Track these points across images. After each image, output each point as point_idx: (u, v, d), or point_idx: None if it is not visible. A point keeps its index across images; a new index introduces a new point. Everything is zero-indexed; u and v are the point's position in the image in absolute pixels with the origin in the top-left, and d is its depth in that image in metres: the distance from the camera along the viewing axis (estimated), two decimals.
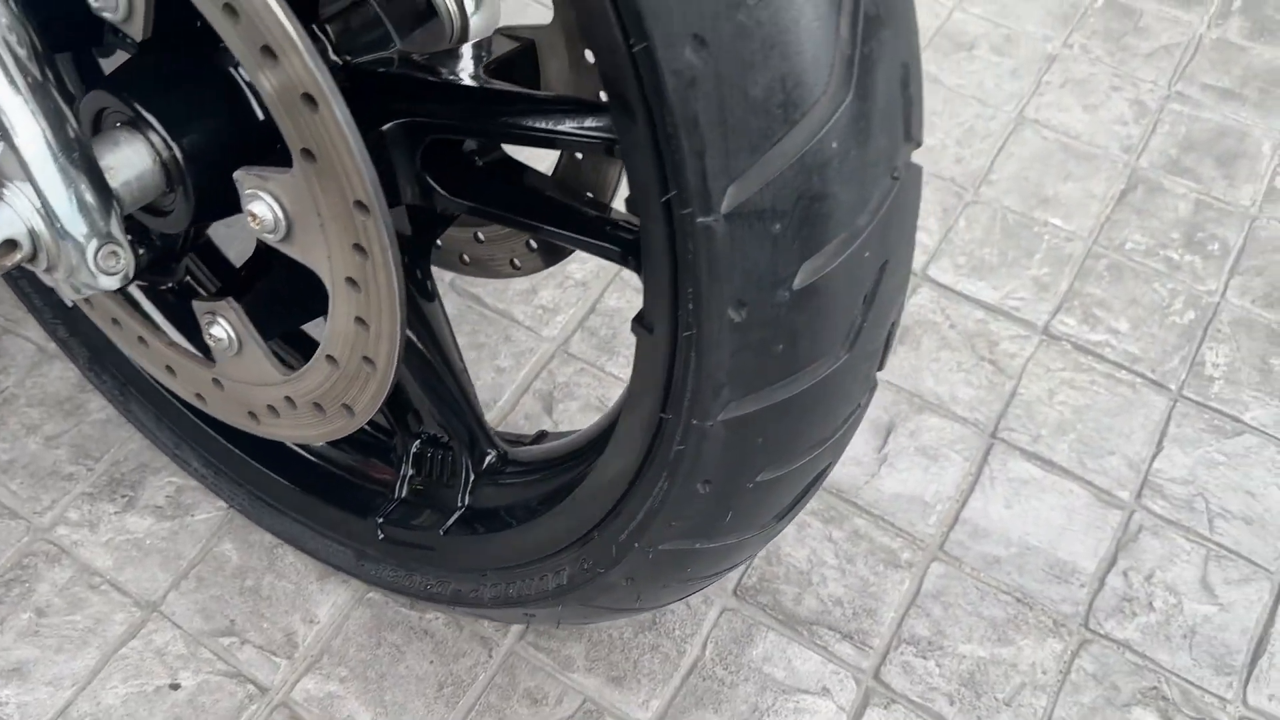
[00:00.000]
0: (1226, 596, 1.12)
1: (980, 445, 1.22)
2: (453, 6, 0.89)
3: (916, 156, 0.60)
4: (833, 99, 0.53)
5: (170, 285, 1.03)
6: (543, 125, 0.70)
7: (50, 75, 0.68)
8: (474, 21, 0.90)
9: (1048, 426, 1.23)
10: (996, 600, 1.12)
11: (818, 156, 0.54)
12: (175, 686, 1.07)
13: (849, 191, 0.56)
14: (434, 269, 1.01)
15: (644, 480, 0.71)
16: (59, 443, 1.21)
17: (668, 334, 0.63)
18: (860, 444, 1.22)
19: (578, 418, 1.23)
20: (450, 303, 1.31)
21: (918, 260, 1.36)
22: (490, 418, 1.23)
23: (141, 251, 0.95)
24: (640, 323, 0.65)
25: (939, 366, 1.28)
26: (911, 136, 0.58)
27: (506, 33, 0.86)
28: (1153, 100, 1.52)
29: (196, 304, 0.81)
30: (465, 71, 0.79)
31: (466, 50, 0.87)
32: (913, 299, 1.33)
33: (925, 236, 1.38)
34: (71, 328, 1.11)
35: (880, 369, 0.68)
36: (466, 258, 1.01)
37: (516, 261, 0.98)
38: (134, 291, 1.01)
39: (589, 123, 0.68)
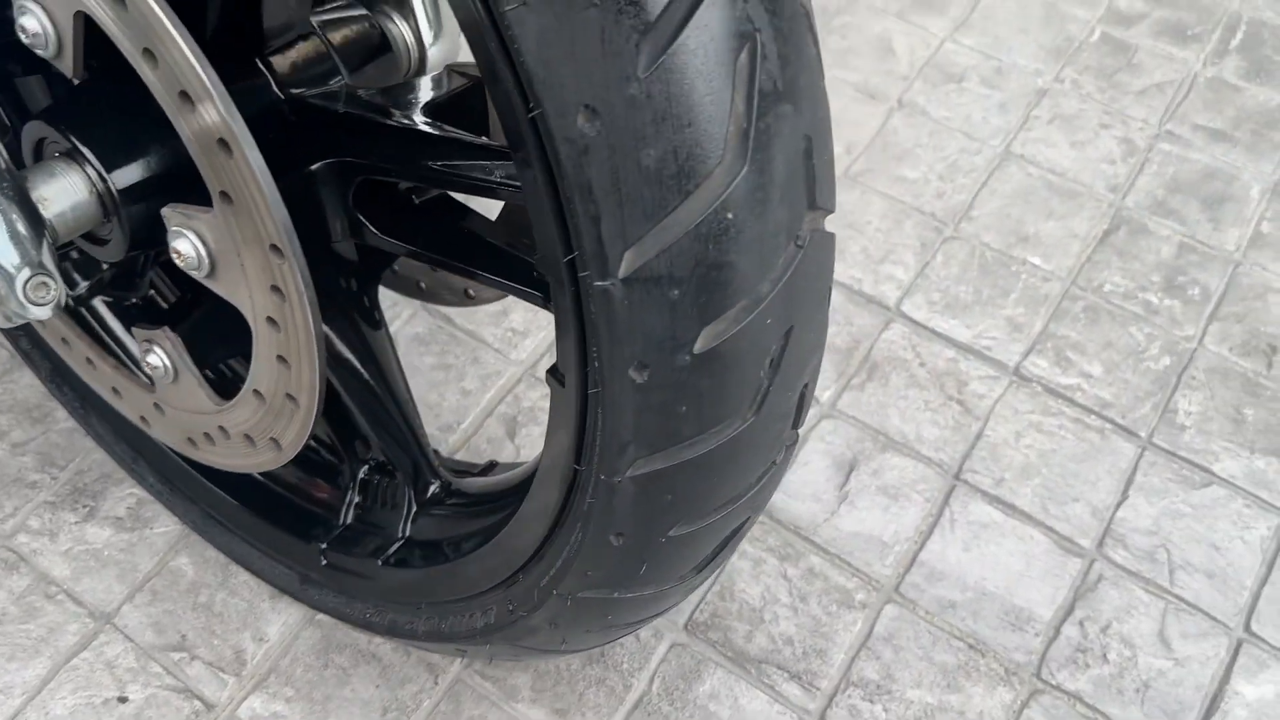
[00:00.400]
0: (1183, 651, 1.11)
1: (943, 486, 1.21)
2: (410, 38, 0.89)
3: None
4: (728, 170, 0.53)
5: (134, 301, 1.04)
6: (471, 173, 0.70)
7: None
8: (431, 54, 0.90)
9: (1012, 470, 1.22)
10: (949, 645, 1.11)
11: (714, 225, 0.54)
12: (123, 699, 1.08)
13: (748, 259, 0.56)
14: (395, 294, 1.02)
15: (561, 528, 0.71)
16: (25, 450, 1.22)
17: (577, 388, 0.63)
18: (821, 481, 1.21)
19: (539, 443, 1.23)
20: (421, 322, 1.32)
21: (891, 295, 1.35)
22: (452, 440, 1.23)
23: (106, 268, 0.96)
24: (553, 374, 0.65)
25: (906, 404, 1.27)
26: (817, 205, 0.58)
27: (458, 69, 0.86)
28: (1142, 139, 1.50)
29: (135, 330, 0.81)
30: (406, 110, 0.79)
31: (420, 84, 0.87)
32: (884, 334, 1.32)
33: (900, 271, 1.37)
34: (33, 339, 1.12)
35: (796, 427, 0.68)
36: (423, 284, 1.01)
37: (470, 291, 0.99)
38: (94, 309, 1.02)
39: (514, 175, 0.68)
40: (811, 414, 1.26)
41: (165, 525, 1.17)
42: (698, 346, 0.57)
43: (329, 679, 1.08)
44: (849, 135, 1.49)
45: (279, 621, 1.11)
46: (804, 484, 1.21)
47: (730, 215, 0.54)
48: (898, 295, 1.36)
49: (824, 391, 1.27)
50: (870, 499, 1.20)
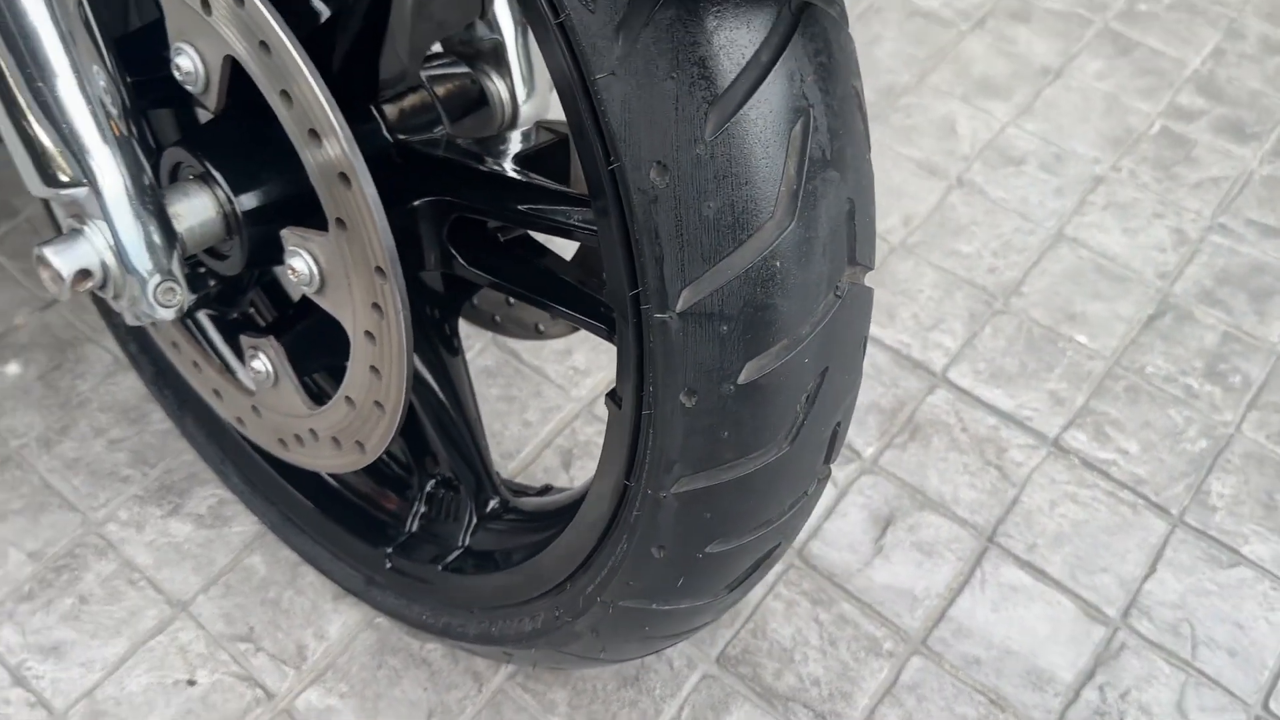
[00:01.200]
0: None
1: (976, 548, 1.26)
2: (505, 95, 0.99)
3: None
4: (778, 224, 0.60)
5: (235, 315, 1.14)
6: (552, 216, 0.78)
7: (135, 130, 0.79)
8: (524, 110, 1.00)
9: (1045, 537, 1.27)
10: (970, 699, 1.15)
11: (762, 272, 0.62)
12: (192, 683, 1.16)
13: (791, 304, 0.63)
14: (472, 325, 1.11)
15: (609, 540, 0.78)
16: (120, 447, 1.32)
17: (633, 410, 0.70)
18: (858, 532, 1.27)
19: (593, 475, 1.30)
20: (491, 355, 1.41)
21: (938, 362, 1.41)
22: (511, 467, 1.31)
23: (213, 284, 1.06)
24: (612, 398, 0.73)
25: (946, 466, 1.32)
26: (857, 261, 0.65)
27: (546, 125, 0.96)
28: (1194, 230, 1.55)
29: (244, 338, 0.91)
30: (498, 158, 0.88)
31: (511, 136, 0.97)
32: (929, 398, 1.38)
33: (949, 339, 1.43)
34: (141, 344, 1.22)
35: (828, 462, 0.74)
36: (497, 318, 1.10)
37: (540, 326, 1.07)
38: (198, 319, 1.12)
39: (589, 219, 0.76)
40: (852, 469, 1.32)
41: (242, 525, 1.26)
42: (741, 378, 0.65)
43: (381, 679, 1.16)
44: (908, 208, 1.57)
45: (339, 621, 1.19)
46: (841, 534, 1.27)
47: (777, 264, 0.61)
48: (945, 362, 1.42)
49: (867, 448, 1.34)
50: (904, 554, 1.25)
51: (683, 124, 0.58)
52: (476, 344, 1.41)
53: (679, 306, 0.63)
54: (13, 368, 1.39)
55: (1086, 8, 1.84)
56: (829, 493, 1.30)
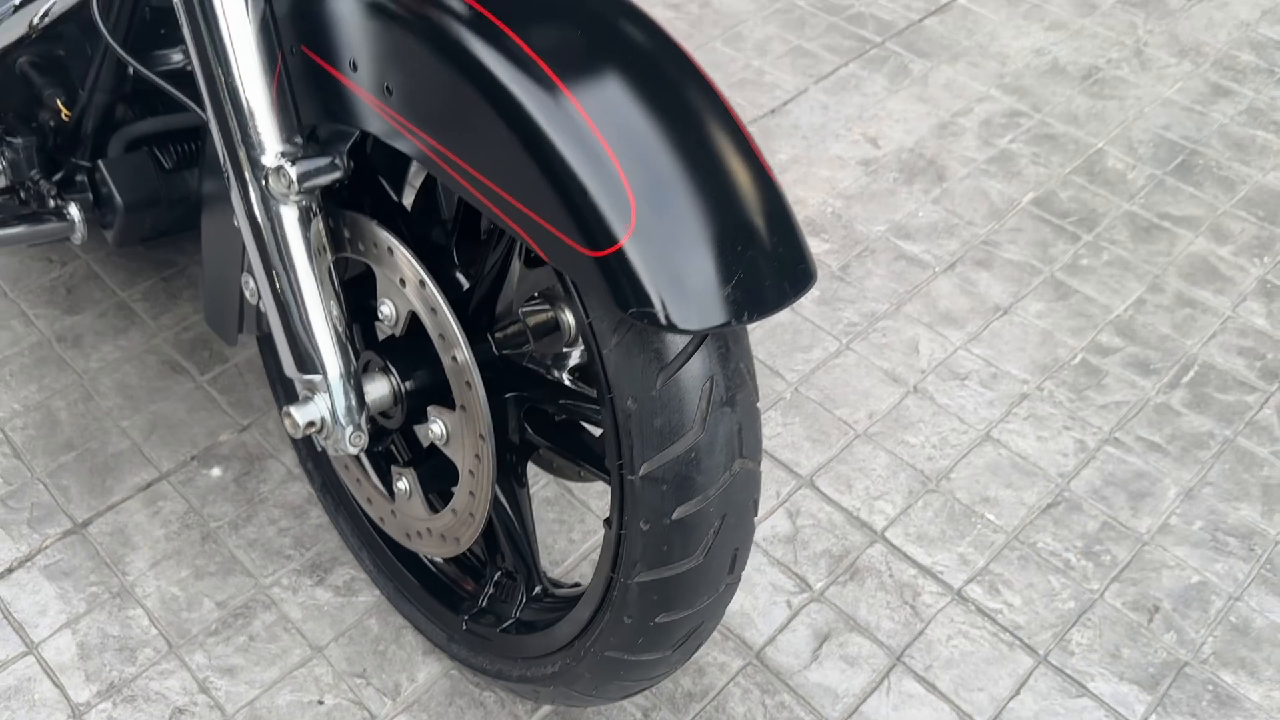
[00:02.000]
0: None
1: (887, 663, 1.72)
2: (572, 324, 1.55)
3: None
4: (695, 434, 1.13)
5: (381, 449, 1.70)
6: (586, 407, 1.32)
7: (350, 337, 1.35)
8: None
9: (939, 661, 1.72)
10: None
11: (686, 458, 1.14)
12: (320, 703, 1.68)
13: (703, 477, 1.15)
14: (533, 466, 1.64)
15: (600, 612, 1.29)
16: (287, 534, 1.88)
17: (616, 530, 1.22)
18: (801, 643, 1.74)
19: None
20: (551, 489, 1.94)
21: (880, 523, 1.90)
22: (556, 571, 1.82)
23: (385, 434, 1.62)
24: (606, 523, 1.25)
25: (874, 602, 1.79)
26: (744, 455, 1.17)
27: None
28: (1093, 441, 2.03)
29: (394, 469, 1.46)
30: (560, 368, 1.43)
31: (572, 352, 1.52)
32: (869, 550, 1.86)
33: (890, 508, 1.92)
34: (315, 462, 1.79)
35: (731, 573, 1.24)
36: (555, 464, 1.63)
37: (581, 473, 1.60)
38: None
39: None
40: (804, 597, 1.80)
41: (366, 596, 1.79)
42: (674, 516, 1.16)
43: (451, 713, 1.65)
44: (873, 406, 2.08)
45: (426, 670, 1.70)
46: (790, 644, 1.74)
47: (694, 455, 1.14)
48: (884, 524, 1.90)
49: (817, 583, 1.82)
50: (834, 663, 1.72)
51: (646, 378, 1.12)
52: (542, 480, 1.94)
53: (640, 473, 1.15)
54: (216, 471, 1.96)
55: (1039, 259, 2.37)
56: (784, 612, 1.78)
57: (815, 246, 2.39)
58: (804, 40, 2.95)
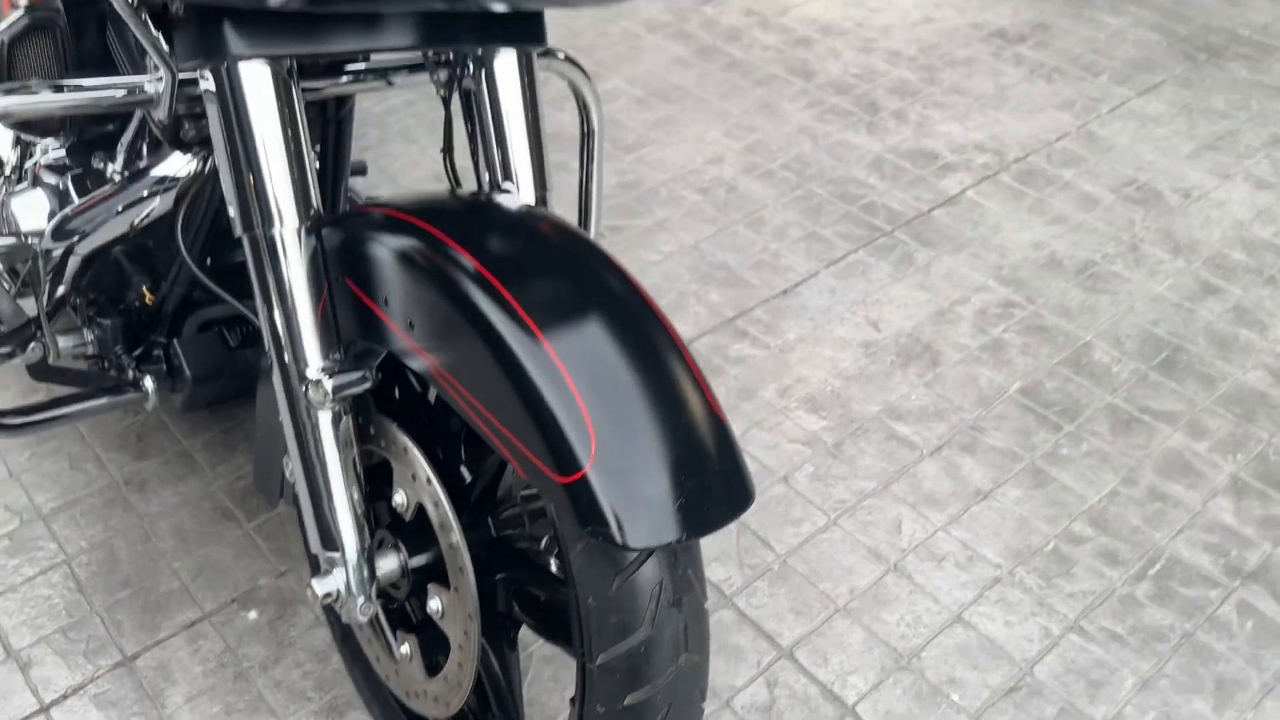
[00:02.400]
0: None
1: None
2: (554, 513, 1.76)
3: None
4: (644, 631, 1.32)
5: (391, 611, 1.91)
6: (562, 596, 1.52)
7: (368, 516, 1.57)
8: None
9: None
10: None
11: (637, 652, 1.33)
12: None
13: (651, 668, 1.34)
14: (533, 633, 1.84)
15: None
16: (310, 676, 2.08)
17: (579, 709, 1.40)
18: None
19: None
20: (545, 649, 2.12)
21: (851, 698, 2.04)
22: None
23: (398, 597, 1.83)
24: (571, 700, 1.43)
25: None
26: (689, 649, 1.36)
27: None
28: (1058, 629, 2.17)
29: (399, 632, 1.66)
30: (548, 553, 1.63)
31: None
32: None
33: (861, 683, 2.07)
34: (336, 615, 2.00)
35: None
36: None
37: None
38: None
39: None
40: None
41: None
42: (627, 702, 1.35)
43: None
44: (854, 582, 2.24)
45: None
46: None
47: (644, 649, 1.33)
48: (855, 699, 2.05)
49: None
50: None
51: (604, 580, 1.32)
52: (538, 641, 2.13)
53: (598, 661, 1.34)
54: (253, 614, 2.18)
55: (1020, 447, 2.54)
56: None
57: (814, 423, 2.60)
58: (819, 226, 3.21)
